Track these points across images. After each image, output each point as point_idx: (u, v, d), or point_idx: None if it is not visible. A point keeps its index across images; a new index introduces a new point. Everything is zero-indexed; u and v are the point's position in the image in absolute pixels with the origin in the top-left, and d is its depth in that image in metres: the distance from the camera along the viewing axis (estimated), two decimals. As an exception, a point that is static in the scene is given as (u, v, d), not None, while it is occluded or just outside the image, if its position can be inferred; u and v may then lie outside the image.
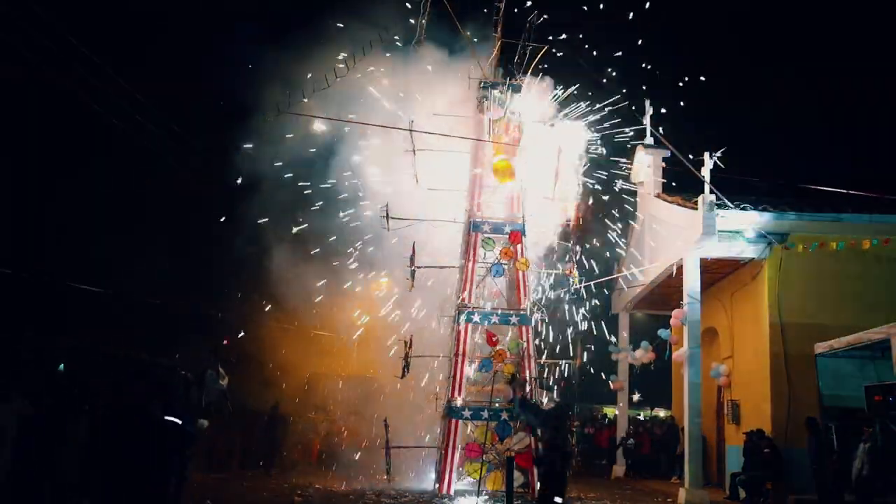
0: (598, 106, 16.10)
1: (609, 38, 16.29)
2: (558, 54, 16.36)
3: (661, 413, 27.44)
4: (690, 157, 14.27)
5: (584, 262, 16.50)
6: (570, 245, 15.84)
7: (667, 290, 17.39)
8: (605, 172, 16.53)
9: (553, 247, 16.47)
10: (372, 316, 17.95)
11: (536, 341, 15.31)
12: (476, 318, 14.74)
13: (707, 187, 13.77)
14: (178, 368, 11.25)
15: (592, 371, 16.92)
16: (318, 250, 17.43)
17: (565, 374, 16.29)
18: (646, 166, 17.64)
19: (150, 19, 20.60)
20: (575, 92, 16.13)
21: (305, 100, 14.03)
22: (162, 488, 7.70)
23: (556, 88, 16.18)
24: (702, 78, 14.41)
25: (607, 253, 17.50)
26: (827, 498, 12.25)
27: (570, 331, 16.92)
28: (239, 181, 16.54)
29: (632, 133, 16.96)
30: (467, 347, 14.69)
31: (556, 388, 16.13)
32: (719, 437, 17.46)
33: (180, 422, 7.98)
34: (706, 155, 13.90)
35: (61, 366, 10.53)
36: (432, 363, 15.58)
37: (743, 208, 14.45)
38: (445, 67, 16.57)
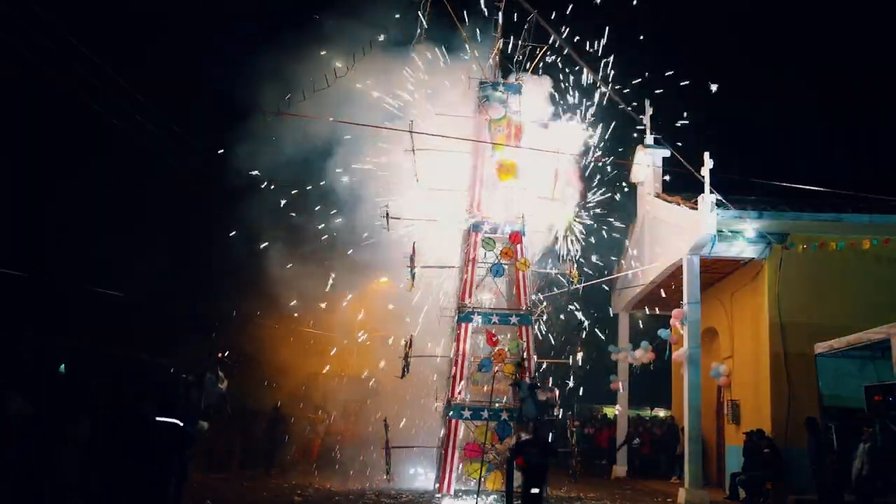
0: (597, 106, 16.14)
1: (609, 37, 16.30)
2: (556, 58, 16.40)
3: (661, 413, 27.42)
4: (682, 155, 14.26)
5: (584, 262, 16.50)
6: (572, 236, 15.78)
7: (667, 290, 17.39)
8: (604, 172, 16.56)
9: (552, 247, 16.47)
10: (372, 316, 17.95)
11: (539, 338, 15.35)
12: (476, 318, 14.75)
13: (707, 187, 13.77)
14: (177, 369, 11.24)
15: (592, 371, 16.88)
16: (318, 251, 17.44)
17: (569, 374, 16.31)
18: (645, 166, 17.65)
19: (150, 19, 20.61)
20: (574, 92, 16.17)
21: (304, 99, 14.03)
22: (161, 488, 7.69)
23: (555, 88, 16.22)
24: (713, 86, 14.37)
25: (606, 259, 17.49)
26: (827, 498, 12.25)
27: (570, 331, 16.93)
28: (255, 173, 16.50)
29: (631, 133, 17.01)
30: (467, 347, 14.69)
31: (556, 388, 16.13)
32: (719, 437, 17.47)
33: (181, 423, 7.98)
34: (706, 155, 13.91)
35: (62, 367, 10.52)
36: (432, 363, 15.59)
37: (743, 208, 14.46)
38: (445, 67, 16.58)
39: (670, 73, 16.09)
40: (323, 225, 17.14)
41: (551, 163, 15.36)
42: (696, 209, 13.93)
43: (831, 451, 12.39)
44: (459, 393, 14.50)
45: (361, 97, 16.19)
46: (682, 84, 15.97)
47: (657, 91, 16.91)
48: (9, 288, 15.03)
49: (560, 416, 16.38)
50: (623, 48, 16.46)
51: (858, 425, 11.54)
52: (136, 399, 8.29)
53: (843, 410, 12.42)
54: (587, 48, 16.37)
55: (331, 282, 17.27)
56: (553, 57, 16.47)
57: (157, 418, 7.62)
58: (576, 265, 15.57)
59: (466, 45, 16.23)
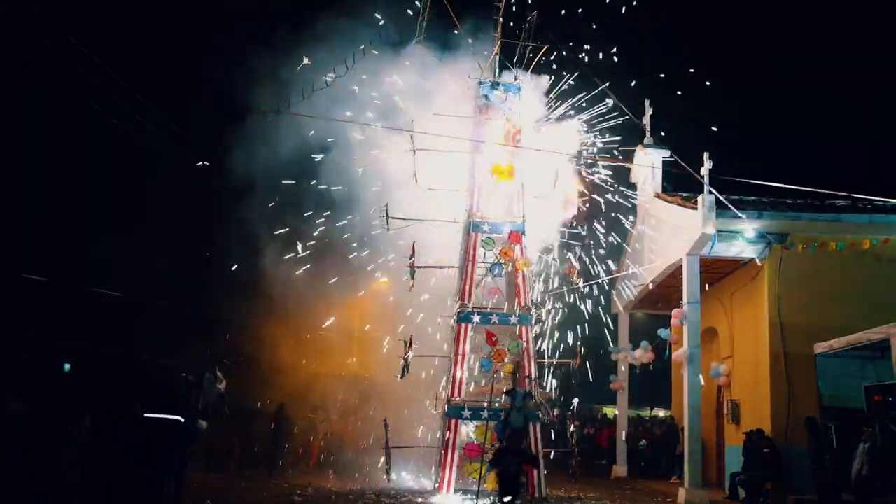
0: (597, 105, 16.14)
1: (609, 37, 16.31)
2: (557, 57, 16.39)
3: (661, 413, 27.44)
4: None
5: (584, 261, 16.51)
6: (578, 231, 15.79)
7: (667, 290, 17.41)
8: (604, 172, 16.54)
9: (551, 247, 16.47)
10: (372, 316, 17.94)
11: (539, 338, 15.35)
12: (476, 318, 14.75)
13: (706, 187, 13.78)
14: (179, 370, 11.23)
15: (591, 370, 16.89)
16: (318, 250, 17.42)
17: (571, 374, 16.30)
18: (645, 166, 17.65)
19: (150, 19, 20.60)
20: (574, 92, 16.16)
21: (304, 99, 14.04)
22: (156, 486, 7.71)
23: (555, 88, 16.22)
24: (706, 83, 14.39)
25: (603, 262, 17.48)
26: (827, 498, 12.26)
27: (570, 331, 16.95)
28: (255, 173, 16.52)
29: (631, 133, 16.99)
30: (467, 347, 14.69)
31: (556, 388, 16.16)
32: (719, 437, 17.48)
33: (182, 419, 7.99)
34: (706, 155, 13.92)
35: (67, 366, 10.50)
36: (432, 363, 15.59)
37: (742, 208, 14.46)
38: (445, 67, 16.57)
39: (670, 73, 16.11)
40: (322, 227, 17.14)
41: (551, 163, 15.35)
42: (696, 209, 13.94)
43: (831, 451, 12.41)
44: (459, 393, 14.49)
45: (361, 97, 16.21)
46: (681, 84, 16.00)
47: (656, 91, 16.95)
48: (9, 288, 15.04)
49: (552, 419, 16.46)
50: (623, 48, 16.48)
51: (858, 425, 11.57)
52: (130, 400, 8.32)
53: (843, 410, 12.45)
54: (586, 48, 16.40)
55: (331, 282, 17.28)
56: (553, 57, 16.50)
57: (159, 416, 7.65)
58: (576, 267, 15.58)
59: (468, 41, 16.25)
